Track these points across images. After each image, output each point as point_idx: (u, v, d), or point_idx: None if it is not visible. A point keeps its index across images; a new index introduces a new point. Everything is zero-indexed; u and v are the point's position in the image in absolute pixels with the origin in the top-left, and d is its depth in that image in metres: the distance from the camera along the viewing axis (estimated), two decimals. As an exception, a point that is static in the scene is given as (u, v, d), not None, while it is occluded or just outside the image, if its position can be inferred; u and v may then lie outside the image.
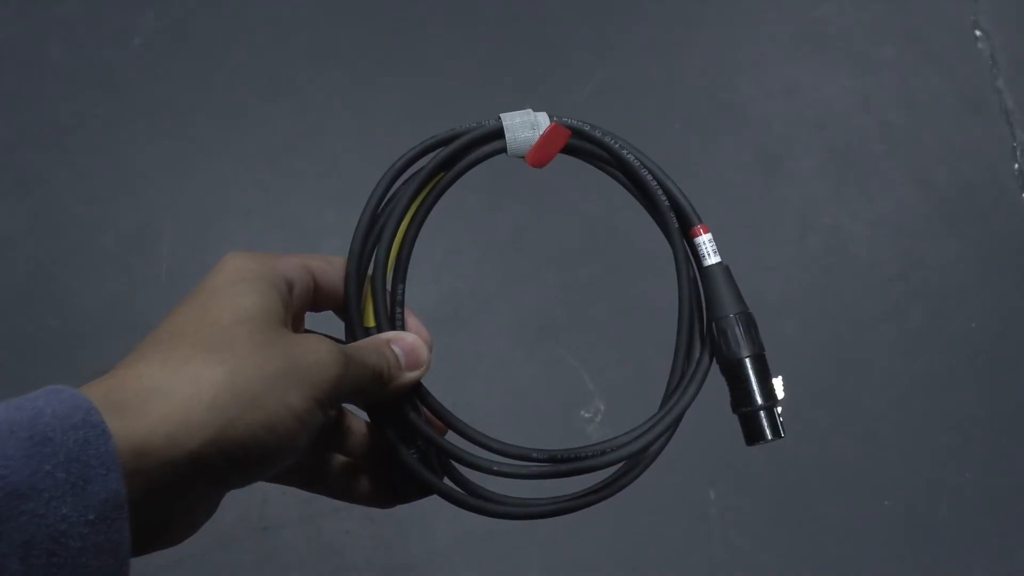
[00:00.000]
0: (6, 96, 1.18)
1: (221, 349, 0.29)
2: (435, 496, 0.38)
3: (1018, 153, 1.20)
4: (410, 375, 0.36)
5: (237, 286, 0.31)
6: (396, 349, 0.36)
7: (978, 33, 1.27)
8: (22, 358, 1.03)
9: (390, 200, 0.42)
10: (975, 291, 1.12)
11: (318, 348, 0.31)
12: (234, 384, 0.28)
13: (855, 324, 1.09)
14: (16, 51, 1.21)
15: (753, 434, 0.37)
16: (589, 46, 1.24)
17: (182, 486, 0.27)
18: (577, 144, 0.41)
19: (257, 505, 0.98)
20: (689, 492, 1.00)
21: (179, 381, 0.27)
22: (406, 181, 0.42)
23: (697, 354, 0.38)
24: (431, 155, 0.42)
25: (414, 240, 0.41)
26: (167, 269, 1.09)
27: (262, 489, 0.96)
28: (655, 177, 0.41)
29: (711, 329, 0.38)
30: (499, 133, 0.40)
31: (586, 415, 1.03)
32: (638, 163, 0.39)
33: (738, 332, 0.36)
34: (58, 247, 1.10)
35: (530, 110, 0.40)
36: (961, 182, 1.18)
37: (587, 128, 0.40)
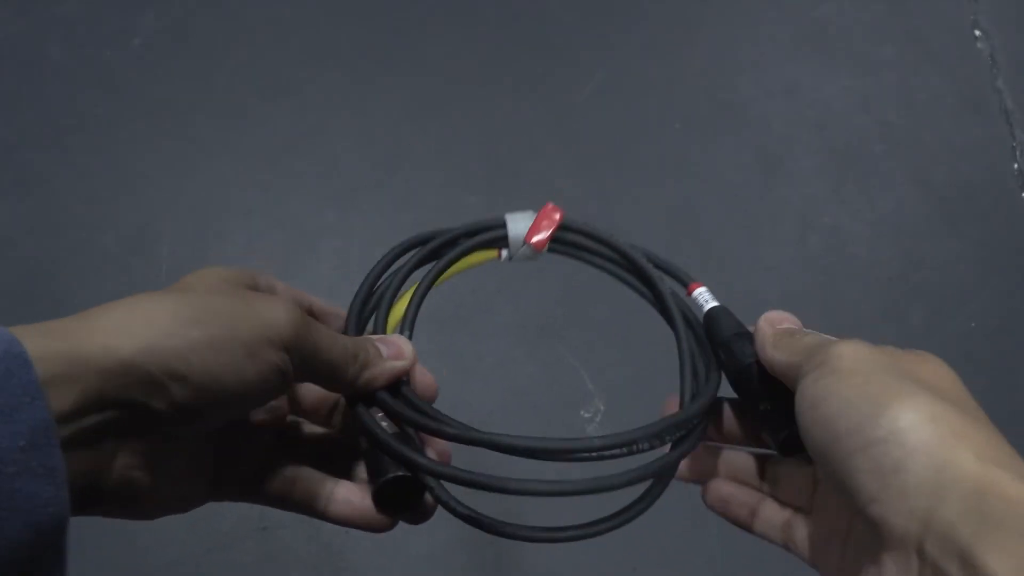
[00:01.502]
0: (6, 96, 1.19)
1: (173, 290, 0.31)
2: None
3: (1018, 153, 1.20)
4: (392, 363, 0.36)
5: (209, 278, 0.34)
6: (380, 345, 0.36)
7: (978, 33, 1.27)
8: (22, 358, 1.02)
9: (392, 273, 0.43)
10: (975, 291, 1.12)
11: (276, 301, 0.31)
12: (177, 309, 0.28)
13: (855, 324, 1.09)
14: (16, 51, 1.21)
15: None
16: (589, 46, 1.24)
17: (127, 400, 0.27)
18: (562, 236, 0.43)
19: (258, 506, 0.98)
20: (689, 491, 1.00)
21: (121, 305, 0.28)
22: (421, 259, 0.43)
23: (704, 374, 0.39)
24: (418, 250, 0.43)
25: (418, 307, 0.42)
26: (167, 269, 1.09)
27: (262, 489, 0.96)
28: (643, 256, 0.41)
29: (717, 355, 0.38)
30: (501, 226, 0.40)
31: (586, 415, 1.03)
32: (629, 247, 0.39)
33: (744, 343, 0.37)
34: (58, 247, 1.10)
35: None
36: (961, 182, 1.18)
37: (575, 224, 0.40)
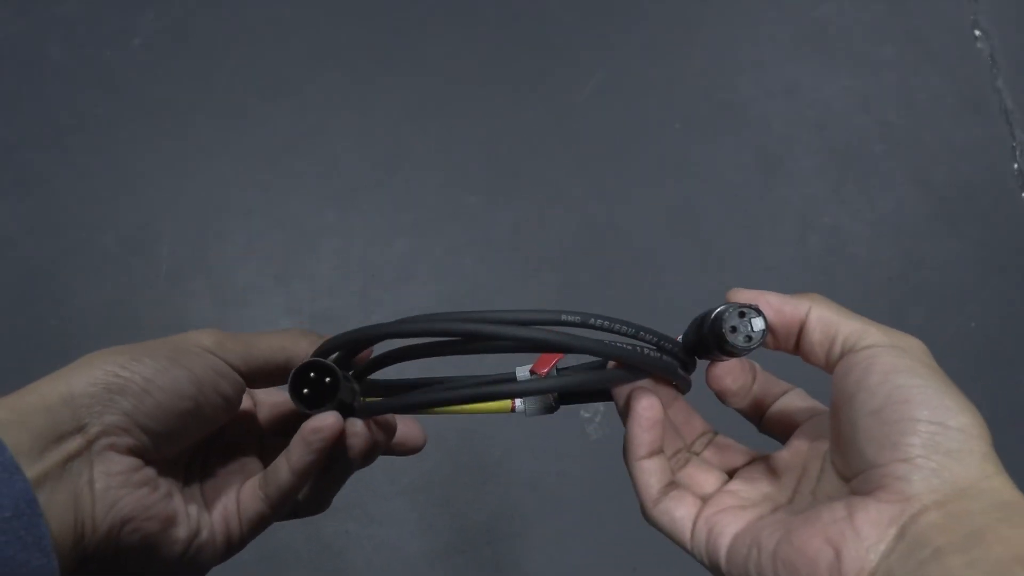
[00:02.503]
0: (6, 96, 1.19)
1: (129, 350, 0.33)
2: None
3: (1018, 153, 1.20)
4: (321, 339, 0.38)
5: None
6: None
7: (978, 33, 1.27)
8: (22, 358, 1.03)
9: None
10: (975, 291, 1.12)
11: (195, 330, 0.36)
12: (102, 353, 0.32)
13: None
14: (16, 51, 1.21)
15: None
16: (589, 46, 1.24)
17: (79, 424, 0.30)
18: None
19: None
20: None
21: (76, 365, 0.31)
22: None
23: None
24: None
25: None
26: (167, 269, 1.09)
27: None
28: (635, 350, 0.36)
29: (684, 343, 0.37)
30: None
31: (586, 415, 1.03)
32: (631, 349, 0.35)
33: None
34: (58, 247, 1.10)
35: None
36: (961, 182, 1.18)
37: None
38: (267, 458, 0.40)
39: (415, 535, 0.98)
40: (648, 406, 0.35)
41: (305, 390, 0.34)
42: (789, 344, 0.35)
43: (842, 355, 0.33)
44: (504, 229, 1.13)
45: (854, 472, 0.30)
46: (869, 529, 0.28)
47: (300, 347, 0.37)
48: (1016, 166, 1.19)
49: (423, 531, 0.98)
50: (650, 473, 0.35)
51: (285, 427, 0.41)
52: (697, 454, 0.39)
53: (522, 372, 0.38)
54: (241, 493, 0.37)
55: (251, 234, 1.12)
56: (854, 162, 1.19)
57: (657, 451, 0.36)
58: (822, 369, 0.34)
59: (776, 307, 0.34)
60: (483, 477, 0.99)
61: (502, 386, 0.35)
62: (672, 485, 0.36)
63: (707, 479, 0.37)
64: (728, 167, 1.17)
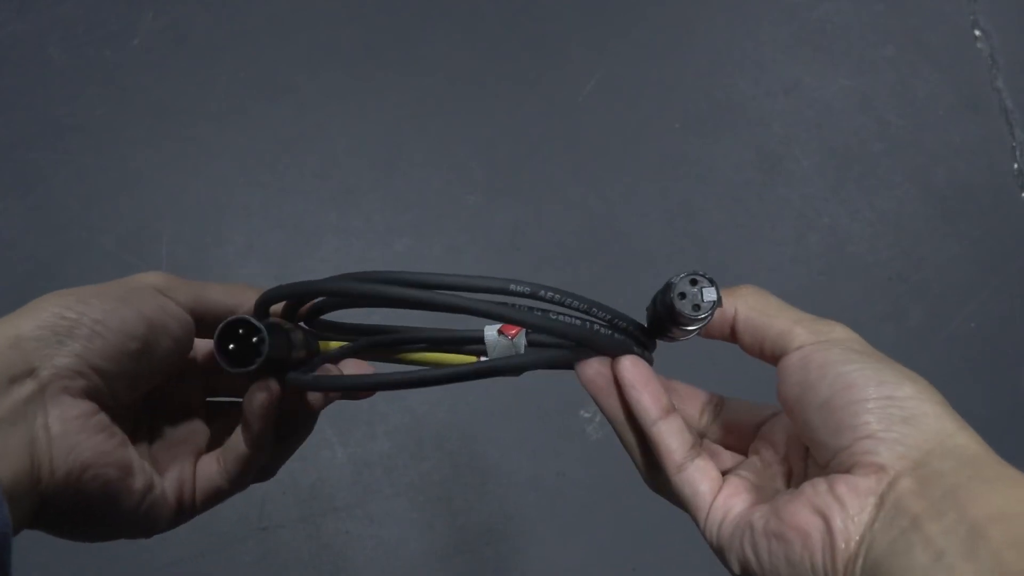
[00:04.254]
0: (6, 96, 1.19)
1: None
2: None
3: (1017, 153, 1.20)
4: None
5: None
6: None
7: (977, 33, 1.27)
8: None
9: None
10: (975, 291, 1.12)
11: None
12: (56, 295, 0.32)
13: (855, 324, 1.08)
14: (16, 51, 1.21)
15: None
16: (589, 45, 1.24)
17: (29, 365, 0.29)
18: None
19: (257, 505, 0.98)
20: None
21: (23, 309, 0.31)
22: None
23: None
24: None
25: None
26: (166, 269, 1.09)
27: (262, 489, 0.96)
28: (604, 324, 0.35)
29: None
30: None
31: (586, 415, 1.03)
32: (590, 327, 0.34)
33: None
34: (58, 247, 1.10)
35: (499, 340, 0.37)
36: (960, 182, 1.18)
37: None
38: (213, 423, 0.39)
39: (415, 535, 0.98)
40: (630, 366, 0.34)
41: (231, 346, 0.33)
42: (727, 339, 0.35)
43: (775, 358, 0.33)
44: (504, 229, 1.13)
45: (824, 461, 0.31)
46: (851, 499, 0.28)
47: (247, 298, 0.37)
48: (1016, 166, 1.19)
49: (423, 531, 0.98)
50: (670, 434, 0.34)
51: (231, 388, 0.40)
52: (703, 435, 0.39)
53: (490, 331, 0.37)
54: (199, 466, 0.37)
55: (251, 234, 1.12)
56: (853, 162, 1.19)
57: (669, 409, 0.35)
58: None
59: None
60: (483, 477, 0.99)
61: (445, 370, 0.33)
62: (696, 449, 0.35)
63: (722, 457, 0.37)
64: (728, 167, 1.18)
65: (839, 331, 0.33)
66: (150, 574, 0.95)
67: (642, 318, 0.36)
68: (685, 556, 0.98)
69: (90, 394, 0.31)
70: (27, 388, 0.29)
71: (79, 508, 0.30)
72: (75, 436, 0.30)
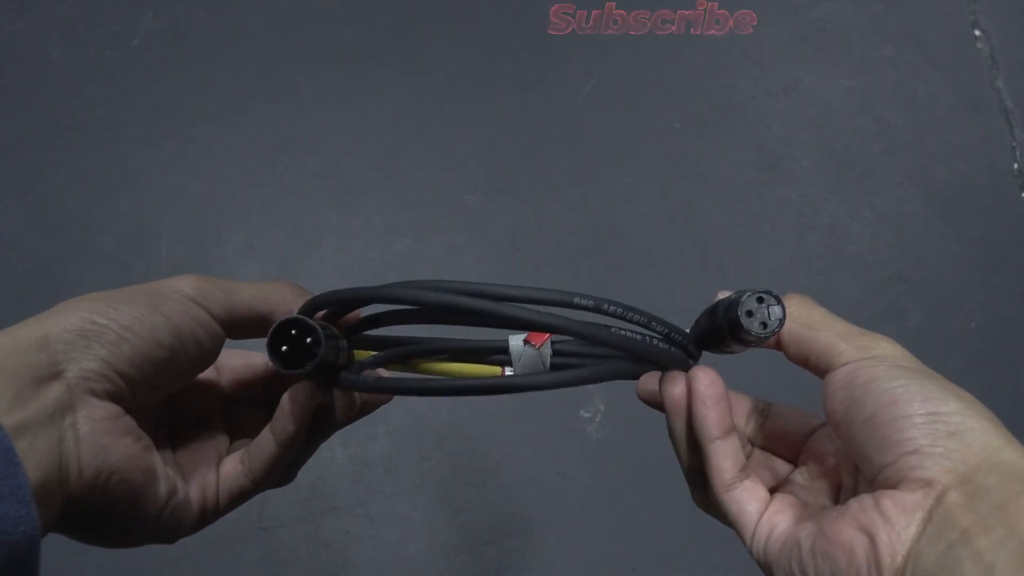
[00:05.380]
0: (6, 96, 1.19)
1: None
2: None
3: (1017, 153, 1.20)
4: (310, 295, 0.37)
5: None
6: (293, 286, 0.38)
7: (977, 33, 1.27)
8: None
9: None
10: (975, 291, 1.12)
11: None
12: (85, 298, 0.31)
13: (854, 324, 1.09)
14: (16, 51, 1.21)
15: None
16: (589, 46, 1.25)
17: (58, 368, 0.29)
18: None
19: (257, 505, 0.98)
20: (689, 491, 1.00)
21: (50, 312, 0.31)
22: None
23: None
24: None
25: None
26: (166, 269, 1.09)
27: (262, 489, 0.96)
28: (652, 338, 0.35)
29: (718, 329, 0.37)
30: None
31: (586, 415, 1.03)
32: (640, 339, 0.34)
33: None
34: (58, 247, 1.10)
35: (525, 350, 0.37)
36: (960, 182, 1.18)
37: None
38: (233, 429, 0.39)
39: (415, 535, 0.98)
40: (710, 383, 0.34)
41: (284, 348, 0.32)
42: (773, 348, 0.36)
43: (820, 372, 0.34)
44: (504, 229, 1.13)
45: (871, 476, 0.31)
46: (897, 515, 0.28)
47: (284, 299, 0.36)
48: (1016, 166, 1.19)
49: (423, 531, 0.98)
50: (725, 455, 0.34)
51: (250, 395, 0.40)
52: (750, 441, 0.39)
53: (515, 340, 0.37)
54: (222, 467, 0.37)
55: (251, 234, 1.12)
56: (853, 162, 1.19)
57: (730, 429, 0.35)
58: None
59: None
60: (483, 477, 0.99)
61: (514, 378, 0.34)
62: (745, 471, 0.35)
63: (767, 472, 0.37)
64: (728, 167, 1.18)
65: (885, 346, 0.33)
66: (150, 574, 0.95)
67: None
68: (685, 556, 0.98)
69: (114, 397, 0.30)
70: (55, 390, 0.28)
71: (104, 511, 0.30)
72: (103, 438, 0.29)
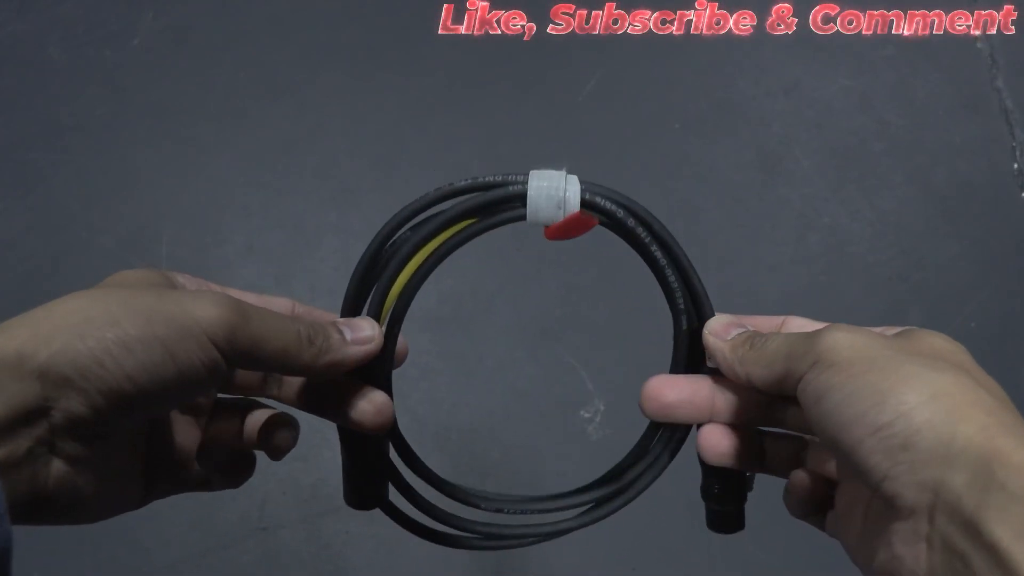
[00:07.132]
0: (6, 96, 1.19)
1: (96, 289, 0.30)
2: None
3: (1017, 152, 1.20)
4: (357, 348, 0.35)
5: (132, 279, 0.34)
6: (345, 329, 0.35)
7: (978, 33, 1.27)
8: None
9: (394, 244, 0.39)
10: (975, 291, 1.12)
11: (204, 297, 0.30)
12: (92, 310, 0.28)
13: (855, 324, 1.09)
14: (16, 51, 1.21)
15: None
16: (589, 46, 1.25)
17: (46, 406, 0.27)
18: (605, 222, 0.38)
19: (257, 505, 0.98)
20: (689, 491, 1.00)
21: (40, 310, 0.28)
22: (415, 226, 0.39)
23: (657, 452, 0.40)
24: (446, 204, 0.38)
25: (415, 290, 0.38)
26: (166, 269, 1.09)
27: (262, 489, 0.96)
28: (681, 271, 0.40)
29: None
30: (522, 196, 0.37)
31: (586, 415, 1.03)
32: (664, 261, 0.39)
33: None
34: (58, 247, 1.10)
35: (562, 173, 0.38)
36: (960, 182, 1.18)
37: (620, 214, 0.38)
38: (209, 424, 0.38)
39: (415, 535, 0.98)
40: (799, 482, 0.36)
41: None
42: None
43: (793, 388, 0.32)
44: (504, 229, 1.12)
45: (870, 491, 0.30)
46: (906, 552, 0.27)
47: (302, 358, 0.32)
48: (1016, 166, 1.19)
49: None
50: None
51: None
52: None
53: (535, 182, 0.39)
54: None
55: (251, 234, 1.12)
56: (853, 162, 1.19)
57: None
58: None
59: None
60: (483, 477, 0.99)
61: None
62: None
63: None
64: (728, 167, 1.18)
65: (826, 342, 0.31)
66: (149, 573, 0.95)
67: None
68: (685, 556, 0.98)
69: (97, 435, 0.29)
70: (40, 430, 0.27)
71: (74, 516, 0.30)
72: (80, 477, 0.29)
